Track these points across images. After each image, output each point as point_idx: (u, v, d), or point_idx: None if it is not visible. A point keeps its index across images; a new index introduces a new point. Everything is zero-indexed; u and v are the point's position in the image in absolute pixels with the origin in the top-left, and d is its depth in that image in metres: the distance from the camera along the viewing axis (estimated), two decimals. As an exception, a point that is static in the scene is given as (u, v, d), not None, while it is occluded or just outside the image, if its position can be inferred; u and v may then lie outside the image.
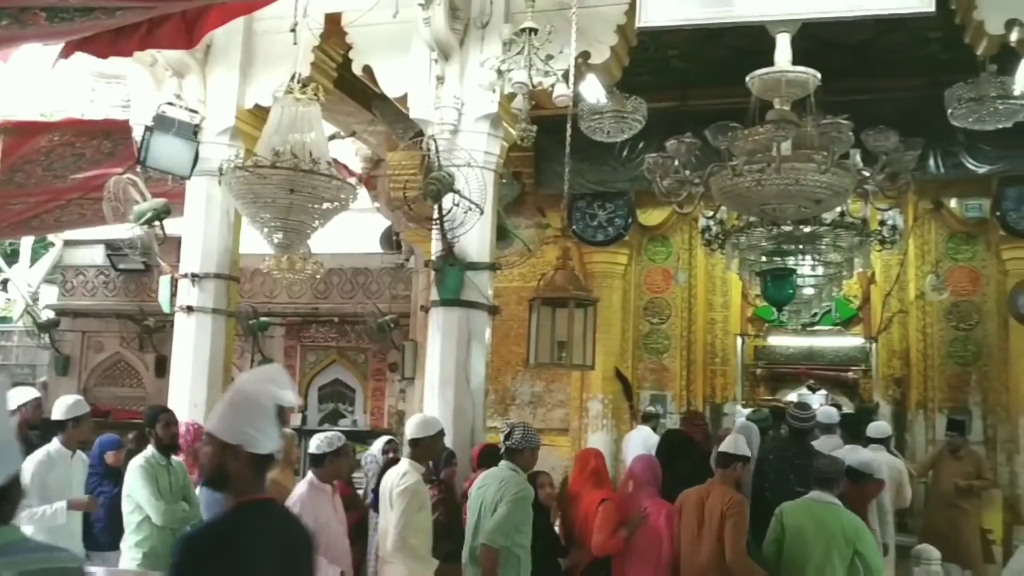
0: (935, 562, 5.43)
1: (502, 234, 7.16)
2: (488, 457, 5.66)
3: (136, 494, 5.30)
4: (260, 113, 6.70)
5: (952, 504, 7.95)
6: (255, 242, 6.45)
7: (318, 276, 11.67)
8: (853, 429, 7.48)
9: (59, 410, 5.58)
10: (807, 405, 7.58)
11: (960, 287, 10.25)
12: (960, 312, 10.27)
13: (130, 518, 5.33)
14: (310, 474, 5.19)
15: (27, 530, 3.20)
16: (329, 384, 13.93)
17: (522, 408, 11.20)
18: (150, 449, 5.47)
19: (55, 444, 5.53)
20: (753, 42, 6.14)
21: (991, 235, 9.97)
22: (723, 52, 7.99)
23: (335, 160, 8.42)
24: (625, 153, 9.08)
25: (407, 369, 11.37)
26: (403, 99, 6.56)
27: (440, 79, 6.25)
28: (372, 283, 13.41)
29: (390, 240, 12.92)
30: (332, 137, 10.00)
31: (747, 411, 9.20)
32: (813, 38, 6.98)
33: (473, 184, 5.94)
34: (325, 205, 5.68)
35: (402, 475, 5.05)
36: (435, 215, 6.06)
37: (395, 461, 7.09)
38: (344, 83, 7.83)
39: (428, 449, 5.25)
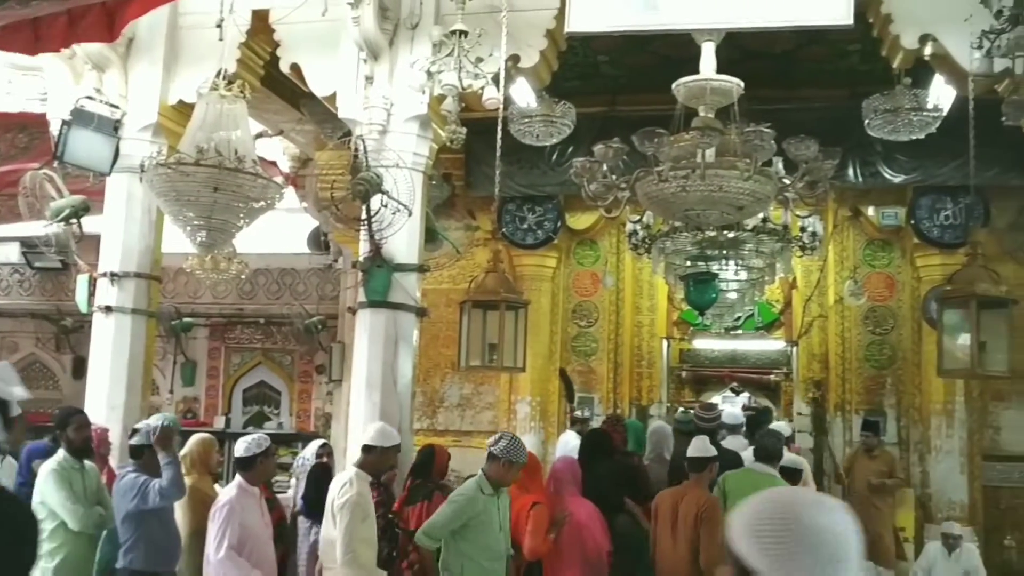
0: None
1: (431, 236, 7.15)
2: None
3: (50, 499, 5.12)
4: (184, 109, 6.56)
5: (867, 503, 8.20)
6: (178, 241, 6.31)
7: (243, 276, 11.44)
8: (755, 429, 7.78)
9: None
10: (712, 406, 7.84)
11: (877, 293, 10.56)
12: (876, 317, 10.59)
13: (42, 526, 5.17)
14: (238, 477, 5.11)
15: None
16: (254, 386, 13.69)
17: (451, 411, 11.19)
18: (62, 453, 5.30)
19: (-25, 449, 5.34)
20: (680, 50, 6.26)
21: (906, 242, 10.30)
22: (651, 59, 8.11)
23: (262, 158, 8.28)
24: (555, 157, 9.15)
25: (334, 371, 11.23)
26: (331, 98, 6.50)
27: (369, 79, 6.21)
28: (299, 284, 13.22)
29: (318, 241, 12.75)
30: (259, 135, 9.78)
31: (676, 414, 9.35)
32: (738, 48, 7.15)
33: (401, 185, 5.91)
34: (250, 204, 5.59)
35: (343, 485, 5.02)
36: (363, 216, 6.02)
37: (326, 466, 7.05)
38: (272, 81, 7.72)
39: (380, 459, 5.25)
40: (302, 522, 6.75)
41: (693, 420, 7.82)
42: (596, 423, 10.47)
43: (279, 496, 7.03)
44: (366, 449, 5.20)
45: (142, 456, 5.34)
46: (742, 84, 5.38)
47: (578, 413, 9.88)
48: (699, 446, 5.48)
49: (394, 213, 5.93)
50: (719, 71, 5.45)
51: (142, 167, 5.46)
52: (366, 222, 6.01)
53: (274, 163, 10.67)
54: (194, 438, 6.24)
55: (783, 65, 8.41)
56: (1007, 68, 5.09)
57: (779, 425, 7.87)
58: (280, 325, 13.09)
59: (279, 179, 7.05)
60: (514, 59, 6.12)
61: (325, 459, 7.27)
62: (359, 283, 6.37)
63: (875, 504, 8.18)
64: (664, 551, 5.25)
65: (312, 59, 6.53)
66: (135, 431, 5.49)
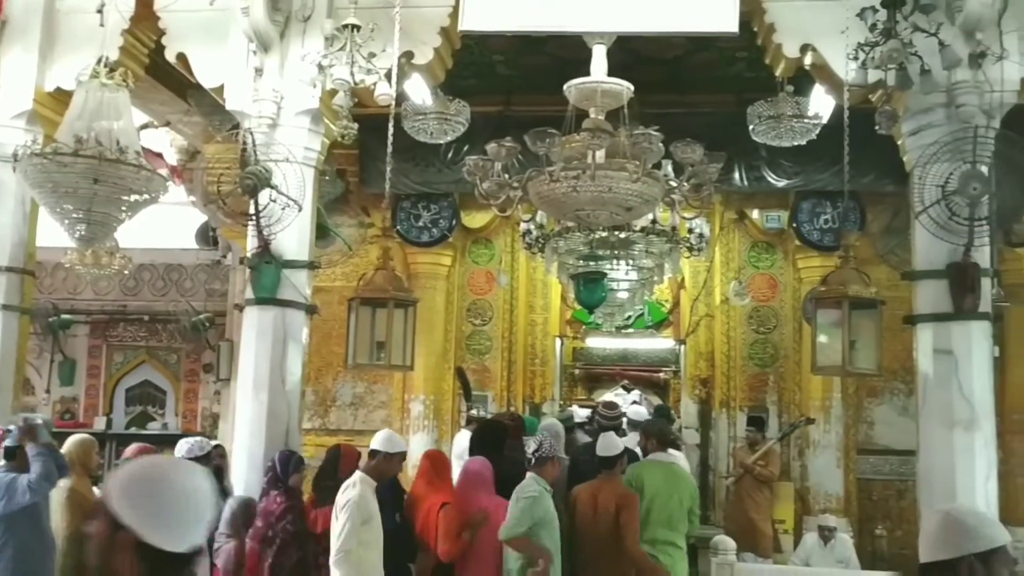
0: (731, 552, 5.78)
1: (322, 232, 7.06)
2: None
3: None
4: (62, 97, 6.29)
5: (745, 496, 8.48)
6: (57, 234, 6.05)
7: (127, 272, 11.11)
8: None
9: None
10: (615, 404, 7.99)
11: (760, 293, 10.92)
12: (760, 317, 10.94)
13: None
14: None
15: None
16: (138, 386, 13.25)
17: (343, 410, 11.05)
18: None
19: None
20: (574, 52, 6.32)
21: (788, 245, 10.68)
22: (546, 60, 8.20)
23: (146, 150, 8.04)
24: (450, 155, 9.16)
25: (222, 370, 10.96)
26: (219, 90, 6.32)
27: (259, 71, 6.06)
28: (186, 280, 12.87)
29: (206, 236, 12.42)
30: (144, 126, 9.55)
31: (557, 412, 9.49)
32: (631, 53, 7.29)
33: (291, 180, 5.81)
34: (133, 197, 5.43)
35: (346, 488, 5.05)
36: (251, 211, 5.89)
37: (218, 468, 6.80)
38: (157, 70, 7.48)
39: (385, 464, 5.23)
40: None
41: (572, 416, 7.99)
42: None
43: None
44: (371, 454, 5.22)
45: (15, 458, 5.15)
46: (632, 87, 5.48)
47: (473, 412, 9.90)
48: (607, 444, 5.71)
49: (283, 208, 5.83)
50: (612, 75, 5.53)
51: (15, 156, 5.23)
52: (254, 217, 5.88)
53: (160, 155, 10.38)
54: (73, 439, 6.00)
55: (674, 71, 8.62)
56: (880, 79, 5.34)
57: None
58: (166, 322, 12.72)
59: (164, 171, 6.86)
60: (408, 56, 6.09)
61: (217, 461, 7.06)
62: (247, 279, 6.23)
63: (753, 497, 8.46)
64: (588, 540, 5.53)
65: (199, 49, 6.34)
66: (7, 432, 5.27)
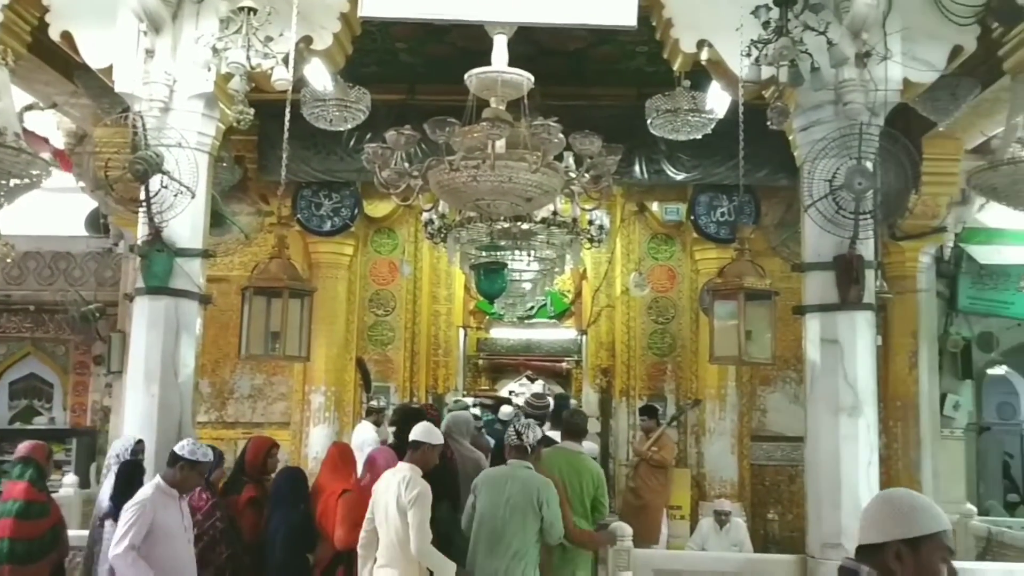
0: (628, 538, 5.86)
1: (218, 220, 6.90)
2: None
3: None
4: (-65, 75, 5.95)
5: (642, 483, 8.62)
6: (-70, 220, 5.74)
7: (9, 260, 10.56)
8: (558, 414, 8.04)
9: None
10: (543, 396, 8.07)
11: (659, 284, 11.12)
12: (659, 307, 11.16)
13: None
14: (158, 477, 4.91)
15: None
16: (23, 379, 12.65)
17: (241, 402, 10.81)
18: None
19: None
20: (477, 43, 6.32)
21: (686, 237, 10.92)
22: (449, 50, 8.15)
23: (29, 132, 7.69)
24: (352, 143, 9.02)
25: (114, 362, 10.58)
26: (107, 71, 6.08)
27: (150, 52, 5.85)
28: (75, 269, 12.34)
29: (97, 223, 11.95)
30: (29, 108, 9.11)
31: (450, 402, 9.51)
32: (533, 44, 7.32)
33: (184, 166, 5.65)
34: (13, 181, 5.19)
35: (403, 482, 4.88)
36: (141, 197, 5.69)
37: (139, 464, 6.53)
38: (42, 49, 7.13)
39: (428, 455, 5.11)
40: (109, 526, 6.22)
41: (466, 405, 8.04)
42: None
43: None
44: (414, 445, 5.11)
45: None
46: (532, 78, 5.50)
47: (374, 403, 9.82)
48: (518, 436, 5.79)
49: (176, 195, 5.66)
50: (515, 66, 5.54)
51: None
52: (145, 204, 5.69)
53: (46, 139, 9.92)
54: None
55: (575, 64, 8.68)
56: (772, 76, 5.49)
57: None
58: (53, 313, 12.19)
59: (47, 155, 6.57)
60: (306, 40, 5.97)
61: (140, 456, 6.77)
62: (137, 268, 6.02)
63: (647, 482, 8.60)
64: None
65: (86, 28, 6.07)
66: None
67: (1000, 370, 12.57)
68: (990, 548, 7.90)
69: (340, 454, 5.75)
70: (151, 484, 4.85)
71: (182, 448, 4.85)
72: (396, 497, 4.86)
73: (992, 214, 10.18)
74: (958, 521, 8.50)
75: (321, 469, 5.85)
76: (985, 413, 12.61)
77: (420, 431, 5.21)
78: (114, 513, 5.98)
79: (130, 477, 5.37)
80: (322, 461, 5.89)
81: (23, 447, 5.66)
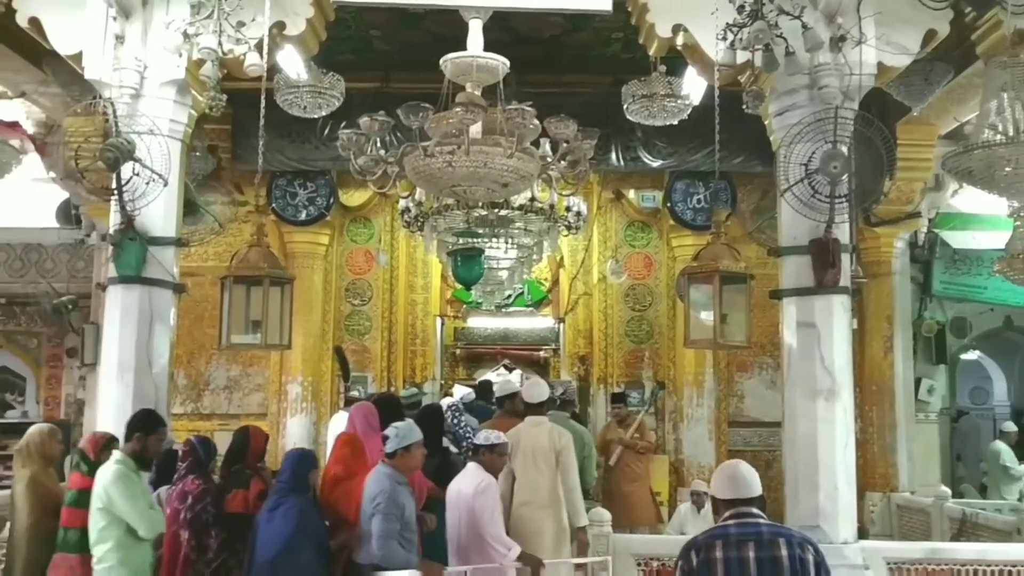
0: (606, 523, 5.87)
1: (192, 209, 6.82)
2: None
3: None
4: (-102, 62, 5.85)
5: (626, 469, 8.63)
6: None
7: (-20, 252, 10.47)
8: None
9: None
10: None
11: (636, 271, 11.16)
12: (636, 294, 11.19)
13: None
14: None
15: None
16: (-6, 372, 12.55)
17: (217, 393, 10.74)
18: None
19: None
20: (452, 29, 6.27)
21: (663, 224, 10.94)
22: (423, 37, 8.11)
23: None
24: (327, 131, 8.96)
25: (88, 354, 10.45)
26: (77, 58, 5.98)
27: (120, 38, 5.74)
28: (47, 260, 12.16)
29: (68, 214, 11.77)
30: (-4, 97, 8.99)
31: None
32: (509, 30, 7.29)
33: (156, 153, 5.56)
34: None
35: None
36: (113, 185, 5.61)
37: (174, 454, 6.38)
38: (9, 36, 7.03)
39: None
40: None
41: (419, 394, 8.04)
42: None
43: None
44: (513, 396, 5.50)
45: None
46: (508, 63, 5.47)
47: (354, 393, 9.78)
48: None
49: (148, 183, 5.58)
50: (490, 52, 5.51)
51: None
52: (117, 192, 5.61)
53: (15, 126, 9.78)
54: (34, 428, 5.60)
55: (551, 50, 8.66)
56: (748, 60, 5.49)
57: None
58: (25, 305, 12.06)
59: (16, 142, 6.46)
60: (279, 26, 5.89)
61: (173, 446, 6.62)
62: (110, 257, 5.94)
63: (633, 468, 8.61)
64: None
65: (54, 14, 5.96)
66: None
67: (973, 355, 12.69)
68: (964, 529, 7.98)
69: (353, 448, 5.45)
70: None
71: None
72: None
73: (966, 200, 10.28)
74: (933, 503, 8.60)
75: (332, 463, 5.54)
76: (959, 398, 12.74)
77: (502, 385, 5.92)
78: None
79: (166, 465, 5.35)
80: (333, 452, 5.67)
81: (83, 438, 5.58)
